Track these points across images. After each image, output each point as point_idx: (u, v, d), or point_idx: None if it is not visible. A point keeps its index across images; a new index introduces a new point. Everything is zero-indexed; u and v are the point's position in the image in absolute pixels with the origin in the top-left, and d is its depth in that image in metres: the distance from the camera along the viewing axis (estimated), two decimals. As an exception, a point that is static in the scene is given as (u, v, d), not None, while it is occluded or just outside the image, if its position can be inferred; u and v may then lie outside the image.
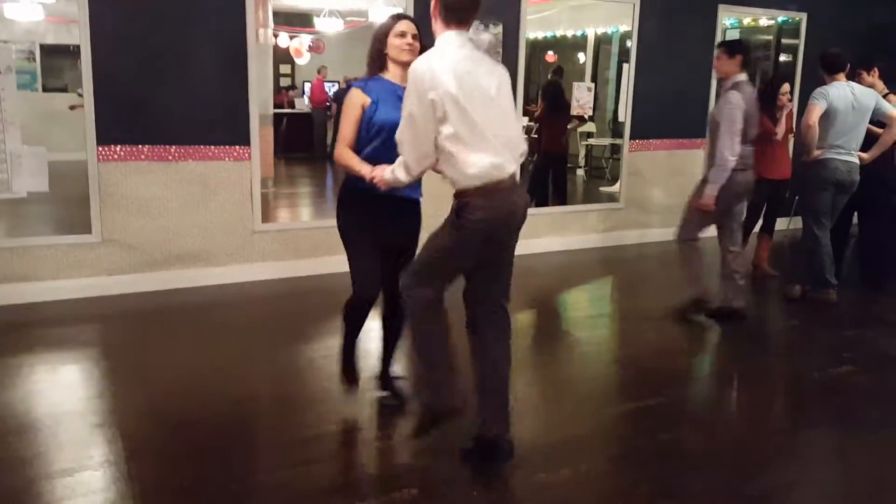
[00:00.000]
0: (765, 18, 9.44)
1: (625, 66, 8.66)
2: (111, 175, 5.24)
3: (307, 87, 14.78)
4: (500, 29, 6.54)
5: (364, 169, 3.19)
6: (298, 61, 14.01)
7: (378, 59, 3.34)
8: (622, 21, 10.01)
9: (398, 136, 2.92)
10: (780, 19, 9.36)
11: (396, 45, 3.27)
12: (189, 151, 5.45)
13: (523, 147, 3.04)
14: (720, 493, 3.05)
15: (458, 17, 2.88)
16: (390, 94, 3.26)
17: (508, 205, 2.91)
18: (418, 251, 3.14)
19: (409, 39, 3.27)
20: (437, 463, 3.17)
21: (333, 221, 5.98)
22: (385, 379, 3.78)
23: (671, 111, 7.61)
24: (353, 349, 3.72)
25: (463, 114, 2.78)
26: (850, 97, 5.34)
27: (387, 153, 3.15)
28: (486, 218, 2.85)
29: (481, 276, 3.09)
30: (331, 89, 14.21)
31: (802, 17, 8.29)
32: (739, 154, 4.82)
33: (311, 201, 10.22)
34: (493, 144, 2.86)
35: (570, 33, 11.50)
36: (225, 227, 5.66)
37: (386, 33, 3.30)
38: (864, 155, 5.48)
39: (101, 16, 5.04)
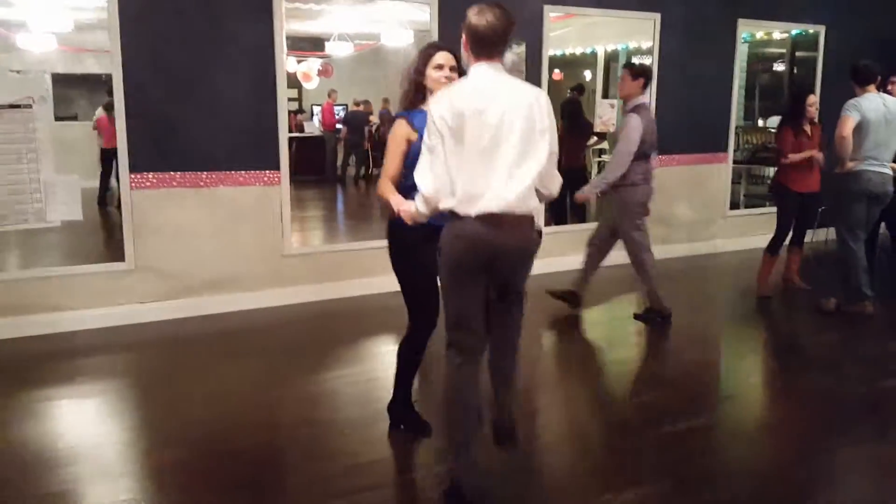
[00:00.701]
0: (778, 32, 9.47)
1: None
2: (144, 203, 5.23)
3: (316, 110, 14.83)
4: (522, 48, 6.54)
5: (394, 201, 3.14)
6: (307, 86, 14.05)
7: (417, 91, 3.31)
8: (632, 37, 10.04)
9: (416, 169, 2.88)
10: (793, 32, 9.38)
11: (435, 78, 3.25)
12: (220, 177, 5.43)
13: (511, 195, 2.78)
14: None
15: (487, 50, 2.84)
16: None
17: (474, 235, 2.81)
18: None
19: (446, 72, 3.25)
20: (501, 487, 3.12)
21: (360, 244, 6.10)
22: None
23: (693, 125, 7.60)
24: (410, 393, 3.65)
25: (459, 145, 2.76)
26: (882, 108, 5.33)
27: None
28: (452, 245, 2.86)
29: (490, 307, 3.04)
30: (339, 112, 14.26)
31: (821, 30, 8.28)
32: (640, 170, 5.27)
33: (326, 224, 10.21)
34: (482, 181, 2.79)
35: (579, 51, 11.54)
36: (256, 252, 5.63)
37: (424, 64, 3.28)
38: (896, 166, 5.47)
39: (133, 45, 5.05)
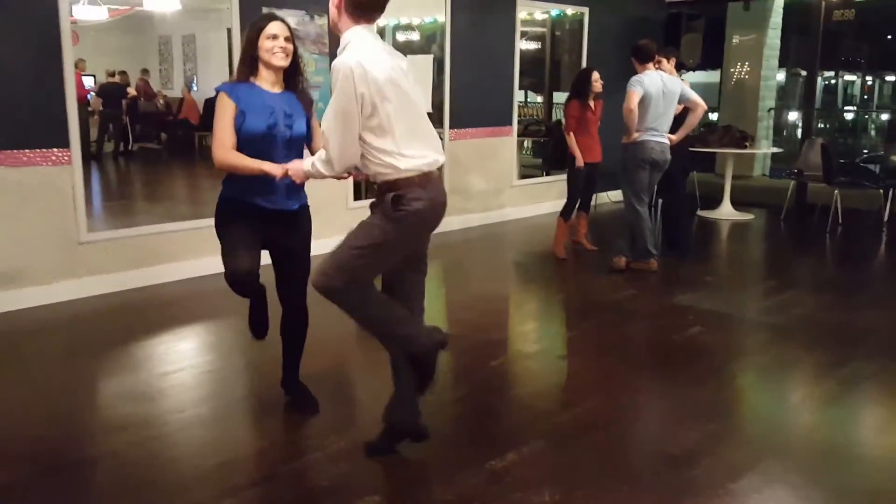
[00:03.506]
0: (539, 12, 10.12)
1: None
2: None
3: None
4: (325, 20, 6.38)
5: (267, 167, 3.05)
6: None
7: (250, 64, 3.18)
8: (403, 12, 10.21)
9: (324, 131, 2.78)
10: (553, 13, 10.08)
11: (268, 48, 3.14)
12: (-1, 157, 4.75)
13: (440, 150, 2.98)
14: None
15: (368, 14, 2.79)
16: (257, 101, 3.15)
17: (441, 195, 2.94)
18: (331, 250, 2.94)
19: (281, 42, 3.15)
20: (389, 467, 3.11)
21: (165, 226, 5.64)
22: (290, 385, 3.60)
23: (482, 100, 7.92)
24: (258, 310, 3.46)
25: (392, 106, 2.74)
26: (660, 84, 5.92)
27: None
28: (425, 208, 2.83)
29: (403, 275, 3.06)
30: (89, 84, 12.97)
31: (585, 11, 8.96)
32: None
33: (105, 207, 9.29)
34: (421, 136, 2.86)
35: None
36: (46, 241, 5.00)
37: (257, 35, 3.16)
38: (672, 136, 6.11)
39: None
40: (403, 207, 2.79)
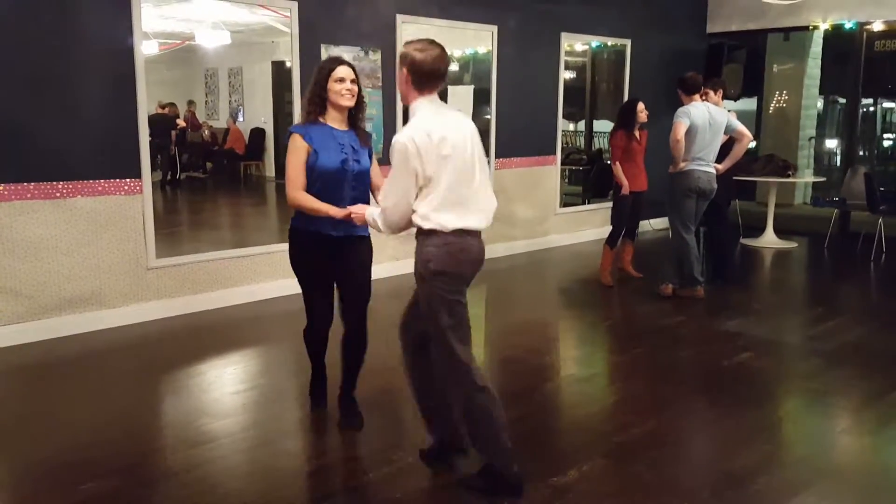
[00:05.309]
0: (579, 43, 10.31)
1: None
2: (-7, 217, 4.72)
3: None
4: (378, 55, 6.63)
5: (333, 211, 3.32)
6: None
7: (319, 104, 3.44)
8: (453, 45, 10.48)
9: (382, 198, 3.00)
10: (594, 45, 10.26)
11: (337, 91, 3.40)
12: (78, 187, 5.02)
13: (488, 205, 3.08)
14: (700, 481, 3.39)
15: (431, 84, 2.96)
16: (329, 139, 3.41)
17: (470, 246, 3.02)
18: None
19: (348, 85, 3.41)
20: (454, 484, 3.25)
21: (230, 252, 5.87)
22: (344, 400, 3.79)
23: (527, 130, 8.11)
24: (320, 373, 3.85)
25: (434, 175, 2.88)
26: (706, 115, 6.06)
27: (327, 197, 3.36)
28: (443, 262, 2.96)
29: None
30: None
31: (627, 43, 9.14)
32: None
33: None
34: (454, 203, 2.95)
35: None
36: (118, 266, 5.26)
37: (326, 78, 3.41)
38: (719, 166, 6.23)
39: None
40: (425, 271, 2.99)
